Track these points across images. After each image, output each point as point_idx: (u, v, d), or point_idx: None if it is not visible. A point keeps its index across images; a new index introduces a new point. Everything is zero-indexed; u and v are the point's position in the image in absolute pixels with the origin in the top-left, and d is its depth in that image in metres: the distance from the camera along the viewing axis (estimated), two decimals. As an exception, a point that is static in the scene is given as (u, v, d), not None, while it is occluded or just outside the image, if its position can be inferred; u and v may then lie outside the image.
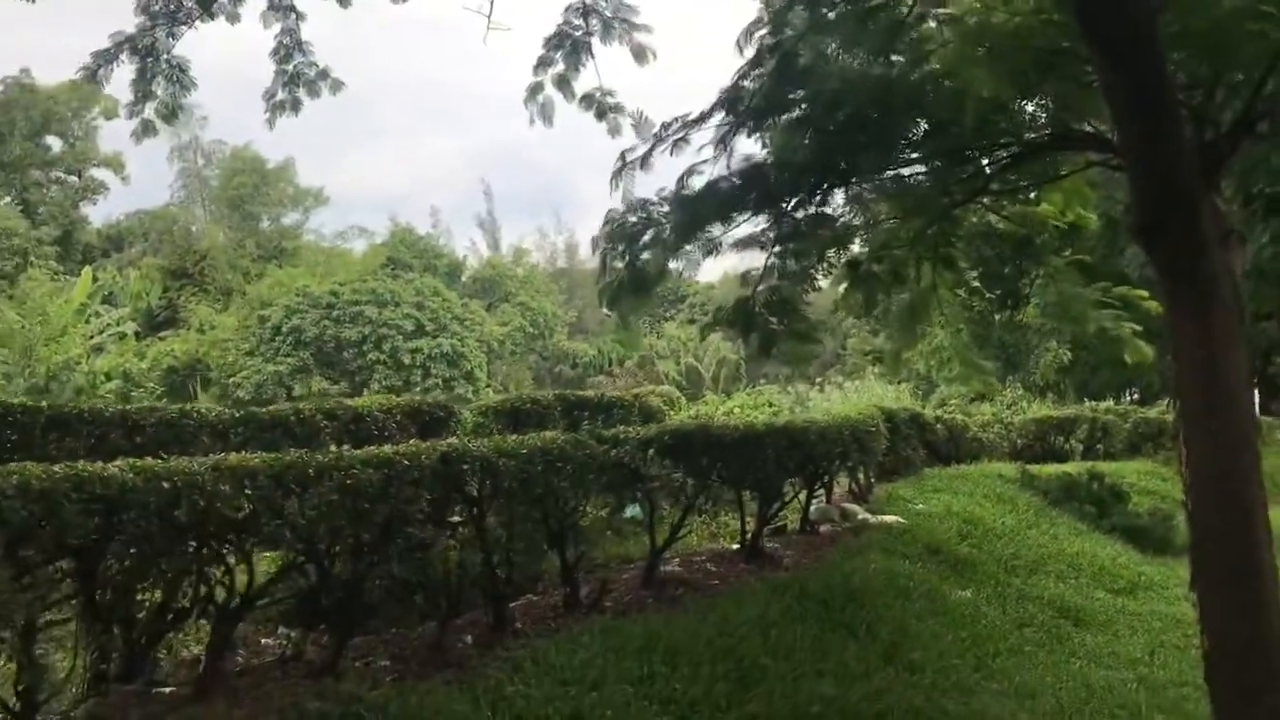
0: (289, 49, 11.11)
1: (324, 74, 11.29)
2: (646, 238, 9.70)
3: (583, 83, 11.21)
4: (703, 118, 9.32)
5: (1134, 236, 7.46)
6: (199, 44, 10.47)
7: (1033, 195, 11.79)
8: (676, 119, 9.36)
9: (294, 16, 10.94)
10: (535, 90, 11.09)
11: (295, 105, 11.24)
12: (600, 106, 11.10)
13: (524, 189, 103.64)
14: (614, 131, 11.16)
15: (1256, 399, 36.63)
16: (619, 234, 9.77)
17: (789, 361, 13.72)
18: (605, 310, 10.91)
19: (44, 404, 9.64)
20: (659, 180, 9.71)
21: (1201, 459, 6.48)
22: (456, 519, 8.47)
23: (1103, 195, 12.74)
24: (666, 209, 9.65)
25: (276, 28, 10.95)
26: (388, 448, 7.66)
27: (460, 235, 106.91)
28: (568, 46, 10.93)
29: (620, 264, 9.97)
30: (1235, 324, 6.85)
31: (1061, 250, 13.95)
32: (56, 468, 5.69)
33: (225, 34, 10.86)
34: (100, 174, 61.11)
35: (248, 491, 6.43)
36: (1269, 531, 6.27)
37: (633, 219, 9.71)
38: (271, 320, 39.54)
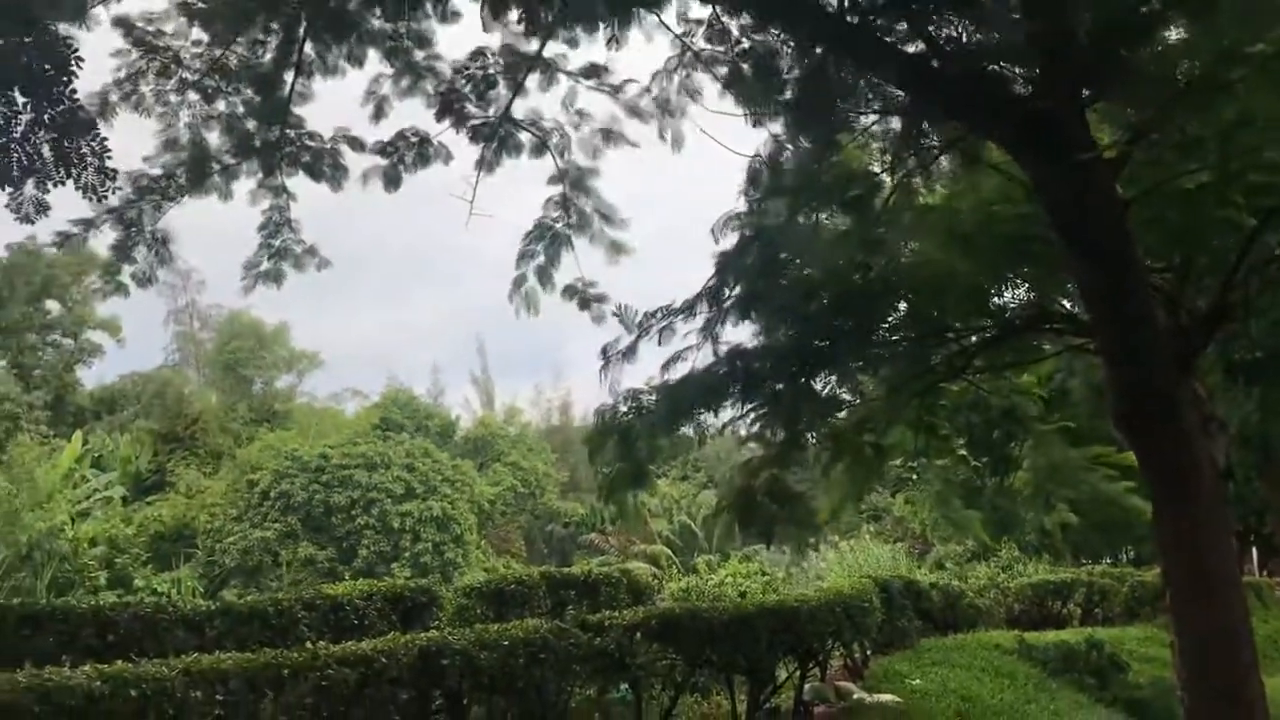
0: (277, 225, 11.35)
1: (311, 251, 11.50)
2: (638, 427, 9.75)
3: (565, 273, 11.45)
4: (687, 309, 9.48)
5: (1114, 424, 7.49)
6: (203, 209, 10.66)
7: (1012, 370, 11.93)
8: (660, 309, 9.53)
9: (285, 196, 11.22)
10: (519, 282, 11.35)
11: (278, 277, 11.41)
12: (583, 298, 11.29)
13: (518, 346, 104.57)
14: (598, 319, 11.32)
15: (1255, 557, 36.30)
16: (610, 427, 9.82)
17: (791, 549, 13.67)
18: (604, 505, 10.95)
19: (16, 602, 9.45)
20: (647, 362, 9.84)
21: (1194, 659, 6.37)
22: (436, 708, 8.24)
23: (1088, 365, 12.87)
24: (655, 397, 9.73)
25: (265, 204, 11.21)
26: (365, 643, 7.52)
27: (455, 391, 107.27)
28: (548, 238, 11.21)
29: (614, 457, 10.01)
30: (1220, 513, 6.82)
31: (1048, 416, 14.03)
32: (20, 676, 5.54)
33: (227, 202, 11.12)
34: (96, 336, 61.60)
35: (219, 697, 6.26)
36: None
37: (623, 409, 9.78)
38: (260, 485, 39.18)
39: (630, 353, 9.83)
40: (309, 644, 7.38)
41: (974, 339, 10.72)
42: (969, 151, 8.60)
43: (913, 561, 32.32)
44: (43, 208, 7.38)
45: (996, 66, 7.48)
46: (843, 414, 11.48)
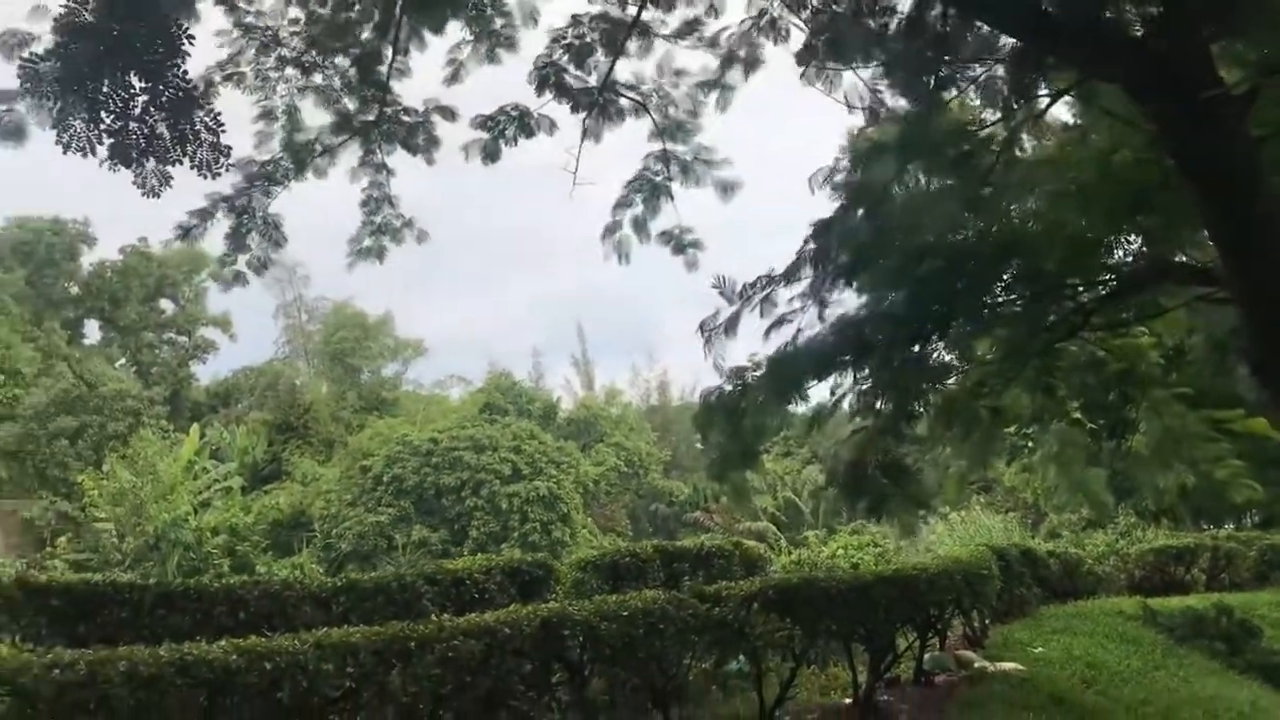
0: (378, 201, 11.53)
1: (409, 224, 11.68)
2: (744, 405, 9.65)
3: (662, 220, 11.44)
4: (788, 275, 9.34)
5: (1251, 372, 7.18)
6: (301, 205, 10.89)
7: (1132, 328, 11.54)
8: (760, 279, 9.40)
9: (384, 172, 11.39)
10: (612, 229, 11.33)
11: (380, 253, 11.60)
12: (678, 243, 11.26)
13: (615, 328, 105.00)
14: (691, 266, 11.31)
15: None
16: (717, 406, 9.75)
17: (902, 529, 13.45)
18: (714, 484, 10.92)
19: (151, 581, 9.76)
20: (747, 338, 9.73)
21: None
22: (557, 680, 8.28)
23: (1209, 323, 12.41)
24: (760, 373, 9.61)
25: (364, 181, 11.39)
26: (489, 615, 7.57)
27: (554, 375, 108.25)
28: (647, 190, 11.16)
29: (722, 438, 9.94)
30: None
31: (1167, 376, 13.55)
32: (162, 651, 5.69)
33: (329, 195, 11.32)
34: (209, 333, 63.66)
35: (350, 669, 6.36)
36: None
37: (728, 388, 9.69)
38: (373, 470, 40.05)
39: (732, 326, 9.72)
40: (433, 617, 7.48)
41: (1091, 296, 10.38)
42: (1085, 98, 8.31)
43: (1025, 531, 31.64)
44: (165, 180, 7.56)
45: (1115, 6, 7.19)
46: (954, 381, 11.24)
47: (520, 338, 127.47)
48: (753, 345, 9.75)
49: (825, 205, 9.86)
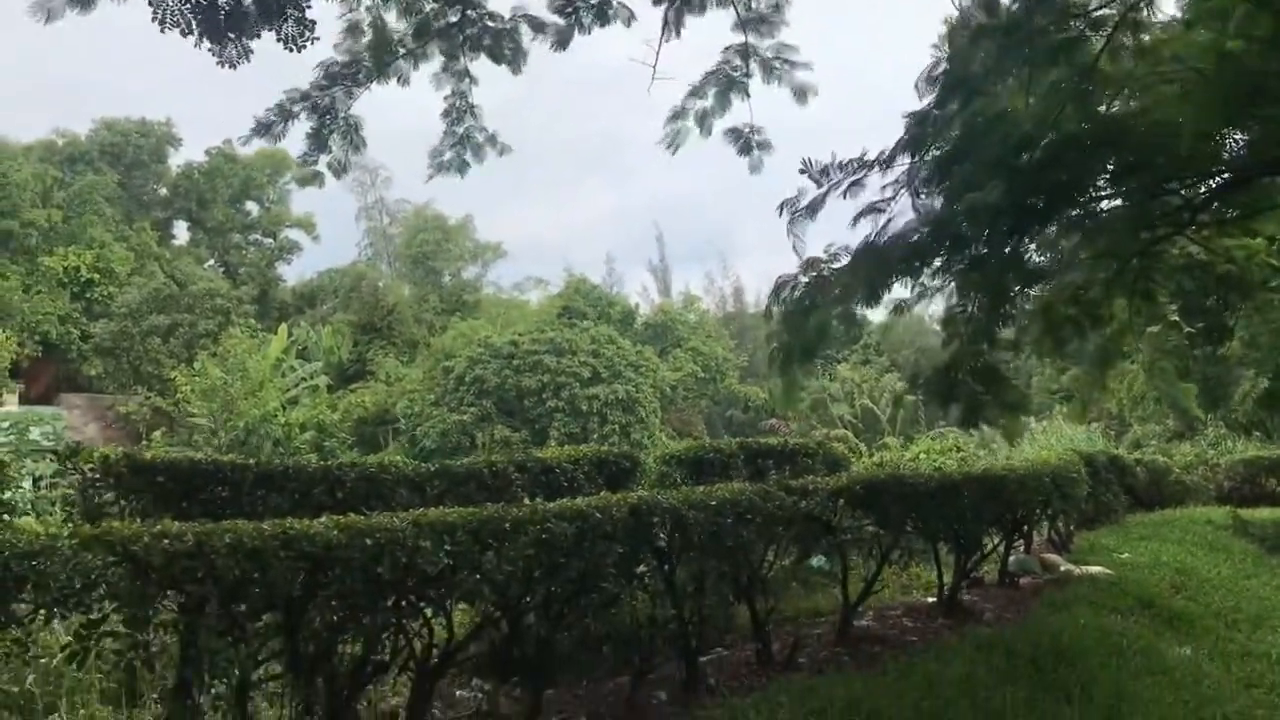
0: (460, 111, 11.38)
1: (492, 139, 11.52)
2: (819, 298, 9.48)
3: (731, 118, 11.17)
4: (882, 161, 9.08)
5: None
6: (387, 108, 10.79)
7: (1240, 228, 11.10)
8: (852, 160, 9.16)
9: (467, 80, 11.22)
10: (676, 116, 11.08)
11: (461, 167, 11.47)
12: (746, 141, 11.03)
13: (691, 236, 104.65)
14: (755, 168, 11.10)
15: None
16: (789, 298, 9.59)
17: (1003, 434, 13.25)
18: (775, 375, 10.72)
19: (252, 461, 9.98)
20: (828, 227, 9.48)
21: None
22: (643, 569, 8.37)
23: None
24: (837, 265, 9.41)
25: (447, 89, 11.24)
26: (579, 500, 7.64)
27: (630, 281, 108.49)
28: (723, 84, 10.90)
29: (787, 332, 9.80)
30: None
31: (1270, 281, 13.07)
32: (265, 525, 5.82)
33: (410, 98, 11.20)
34: (293, 235, 64.67)
35: (447, 547, 6.46)
36: None
37: (804, 280, 9.52)
38: (455, 371, 40.64)
39: (815, 208, 9.51)
40: (525, 501, 7.57)
41: (1196, 192, 10.00)
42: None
43: (1109, 442, 31.19)
44: (246, 53, 7.55)
45: None
46: (1051, 286, 10.96)
47: (597, 244, 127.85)
48: (834, 235, 9.53)
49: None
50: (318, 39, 7.94)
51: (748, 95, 11.15)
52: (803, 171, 9.61)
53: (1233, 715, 9.49)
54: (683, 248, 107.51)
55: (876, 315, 11.09)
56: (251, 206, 64.20)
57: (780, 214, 9.67)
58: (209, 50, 7.43)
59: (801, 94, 10.92)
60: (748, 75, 11.08)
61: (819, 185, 9.45)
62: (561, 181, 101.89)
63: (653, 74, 10.70)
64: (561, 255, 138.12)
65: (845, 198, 9.54)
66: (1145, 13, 8.66)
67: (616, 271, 75.06)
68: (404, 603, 6.65)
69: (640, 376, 42.28)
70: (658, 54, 10.68)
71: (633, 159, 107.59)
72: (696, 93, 11.17)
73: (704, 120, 11.22)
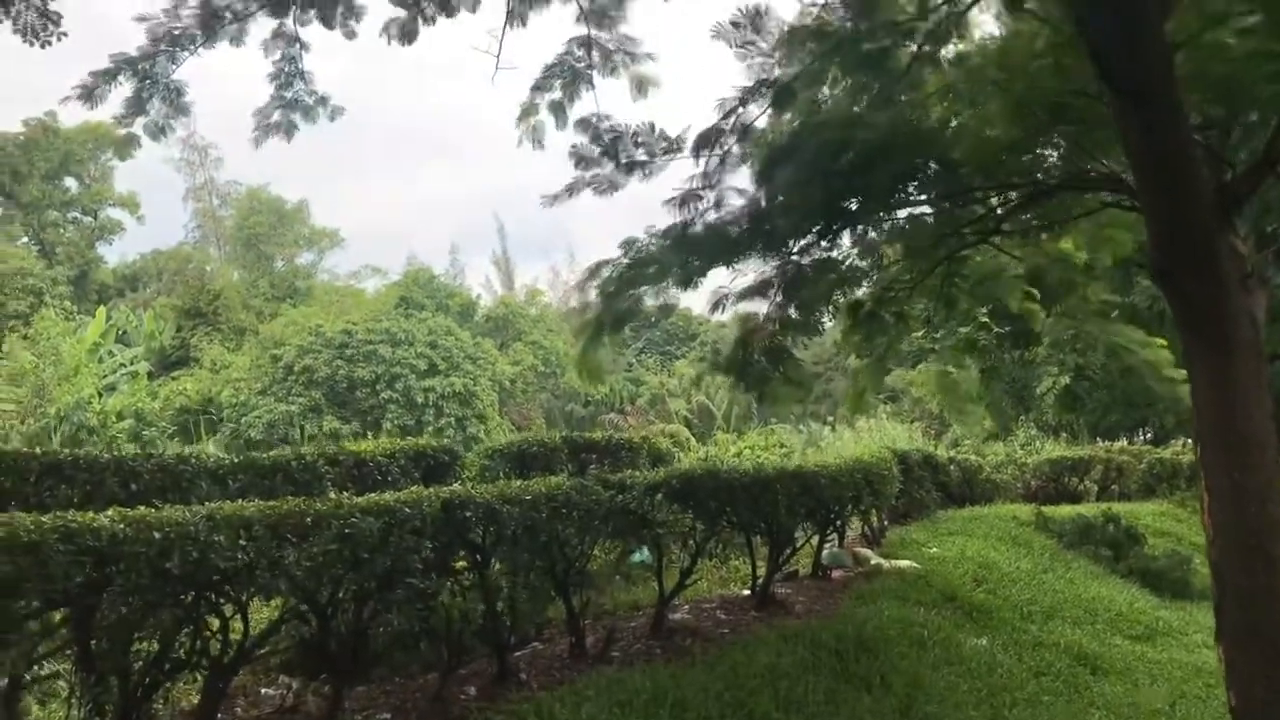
0: (290, 76, 10.95)
1: (323, 100, 11.09)
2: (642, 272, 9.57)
3: (580, 109, 11.14)
4: (709, 140, 9.22)
5: (1153, 279, 7.33)
6: (219, 85, 10.32)
7: (1045, 237, 11.64)
8: (679, 136, 9.32)
9: (297, 45, 10.82)
10: (528, 112, 10.99)
11: (289, 129, 11.02)
12: (595, 131, 11.00)
13: (535, 228, 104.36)
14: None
15: None
16: (611, 280, 9.63)
17: (776, 406, 13.58)
18: (580, 347, 10.74)
19: (38, 450, 9.44)
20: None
21: (1224, 510, 6.29)
22: (460, 564, 8.29)
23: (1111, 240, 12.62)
24: (661, 243, 9.51)
25: (277, 55, 10.82)
26: (389, 495, 7.51)
27: (475, 272, 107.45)
28: (567, 75, 10.84)
29: (600, 306, 9.86)
30: (1257, 368, 6.67)
31: (1076, 288, 13.76)
32: (45, 518, 5.53)
33: (244, 75, 10.73)
34: (116, 214, 61.69)
35: (243, 542, 6.26)
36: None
37: (625, 260, 9.58)
38: (284, 360, 39.53)
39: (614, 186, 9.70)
40: (332, 495, 7.40)
41: (1004, 200, 10.44)
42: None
43: (929, 441, 32.47)
44: (48, 18, 6.94)
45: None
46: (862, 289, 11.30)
47: (439, 234, 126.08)
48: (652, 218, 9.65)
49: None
50: (65, 34, 7.34)
51: (592, 86, 11.11)
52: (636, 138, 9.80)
53: (1021, 701, 10.02)
54: (527, 240, 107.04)
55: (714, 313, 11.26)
56: (70, 183, 60.90)
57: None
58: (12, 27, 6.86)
59: (641, 86, 10.92)
60: (590, 67, 11.04)
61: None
62: (403, 168, 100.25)
63: (496, 63, 10.58)
64: (404, 244, 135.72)
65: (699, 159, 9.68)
66: (954, 32, 9.00)
67: (460, 262, 74.19)
68: (199, 600, 6.42)
69: (478, 369, 41.95)
70: (500, 44, 10.55)
71: (481, 149, 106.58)
72: (542, 85, 11.07)
73: (559, 111, 11.13)
